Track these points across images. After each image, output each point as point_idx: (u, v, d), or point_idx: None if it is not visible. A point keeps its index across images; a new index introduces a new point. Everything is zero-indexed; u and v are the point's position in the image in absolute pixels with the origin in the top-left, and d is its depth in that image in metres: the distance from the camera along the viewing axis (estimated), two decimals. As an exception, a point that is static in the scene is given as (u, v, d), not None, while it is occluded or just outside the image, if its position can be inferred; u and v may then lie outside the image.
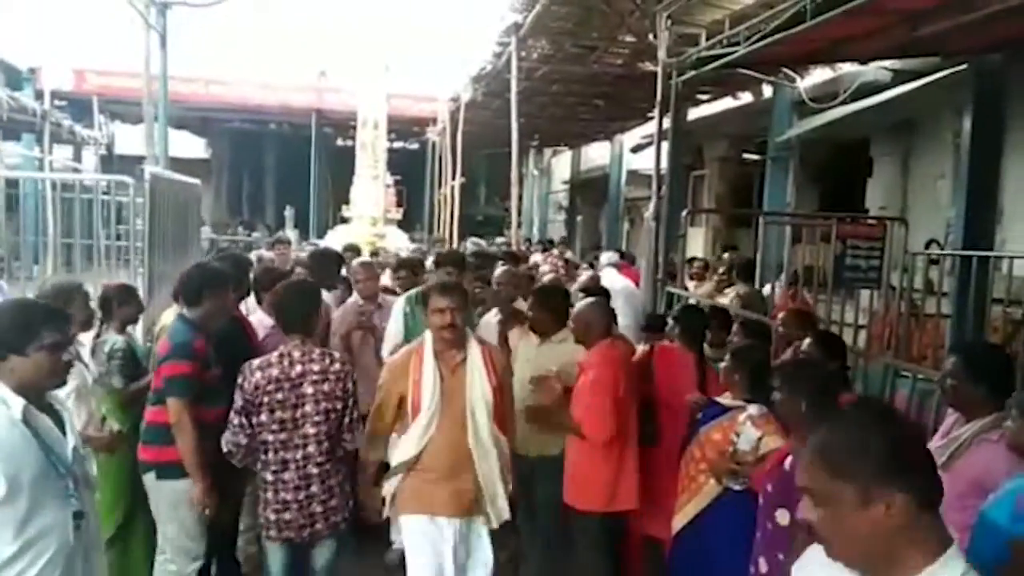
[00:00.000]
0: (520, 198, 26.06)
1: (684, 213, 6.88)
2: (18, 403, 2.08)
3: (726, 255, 8.09)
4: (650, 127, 15.63)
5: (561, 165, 23.81)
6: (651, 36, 6.42)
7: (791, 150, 10.24)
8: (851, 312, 6.85)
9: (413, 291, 4.56)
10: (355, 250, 8.03)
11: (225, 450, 3.18)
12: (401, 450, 3.20)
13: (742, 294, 6.35)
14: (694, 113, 13.53)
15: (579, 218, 22.51)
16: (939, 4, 4.66)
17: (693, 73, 6.25)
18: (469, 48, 13.45)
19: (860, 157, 9.66)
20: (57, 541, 2.11)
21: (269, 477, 3.15)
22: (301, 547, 3.27)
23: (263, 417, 3.10)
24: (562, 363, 3.81)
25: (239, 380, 3.15)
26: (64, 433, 2.21)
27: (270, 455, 3.14)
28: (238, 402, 3.13)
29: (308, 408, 3.12)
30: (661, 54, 6.31)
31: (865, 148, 9.58)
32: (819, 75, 9.44)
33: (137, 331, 4.32)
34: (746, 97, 11.64)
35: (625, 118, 15.07)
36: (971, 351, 2.82)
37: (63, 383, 2.26)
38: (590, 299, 4.06)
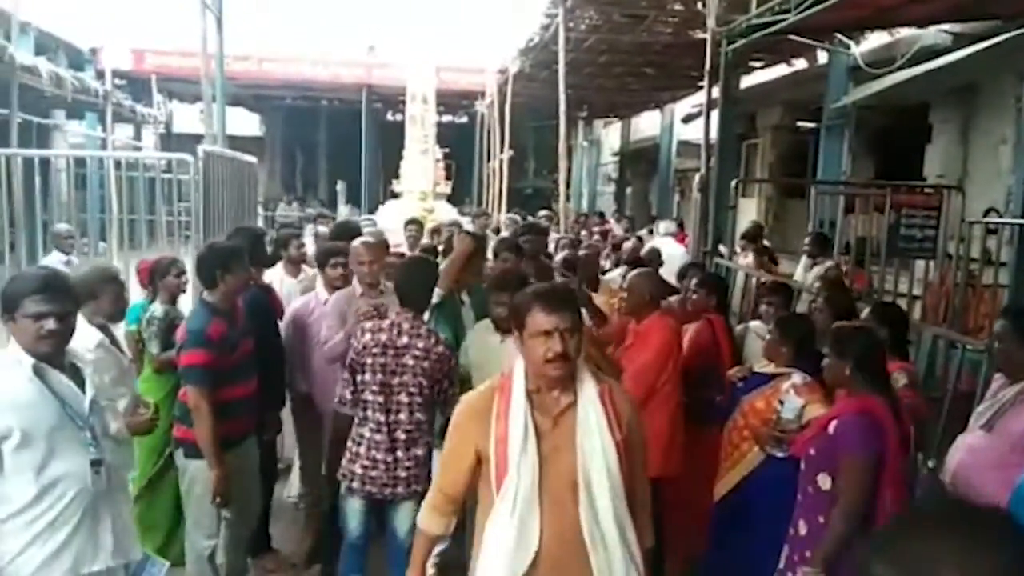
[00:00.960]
0: (569, 170, 26.00)
1: (733, 183, 6.80)
2: (28, 361, 2.29)
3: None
4: (701, 96, 15.35)
5: (611, 136, 23.59)
6: (700, 4, 6.33)
7: (846, 117, 9.99)
8: (907, 283, 6.74)
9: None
10: (417, 223, 7.80)
11: (336, 399, 3.38)
12: (490, 548, 2.16)
13: (828, 271, 6.11)
14: (747, 81, 13.30)
15: (628, 190, 22.33)
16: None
17: (743, 41, 6.15)
18: (517, 20, 13.40)
19: (918, 124, 9.39)
20: (76, 486, 2.32)
21: (366, 433, 3.28)
22: (380, 505, 3.37)
23: (367, 376, 3.25)
24: None
25: (351, 340, 3.37)
26: (84, 389, 2.40)
27: (368, 413, 3.27)
28: (348, 358, 3.33)
29: (407, 378, 3.24)
30: (710, 22, 6.24)
31: (924, 115, 9.31)
32: (876, 40, 9.18)
33: (187, 302, 4.51)
34: (800, 64, 11.39)
35: (675, 87, 14.88)
36: (1021, 315, 2.80)
37: (53, 350, 2.36)
38: (641, 269, 3.96)
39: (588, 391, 2.17)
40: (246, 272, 3.60)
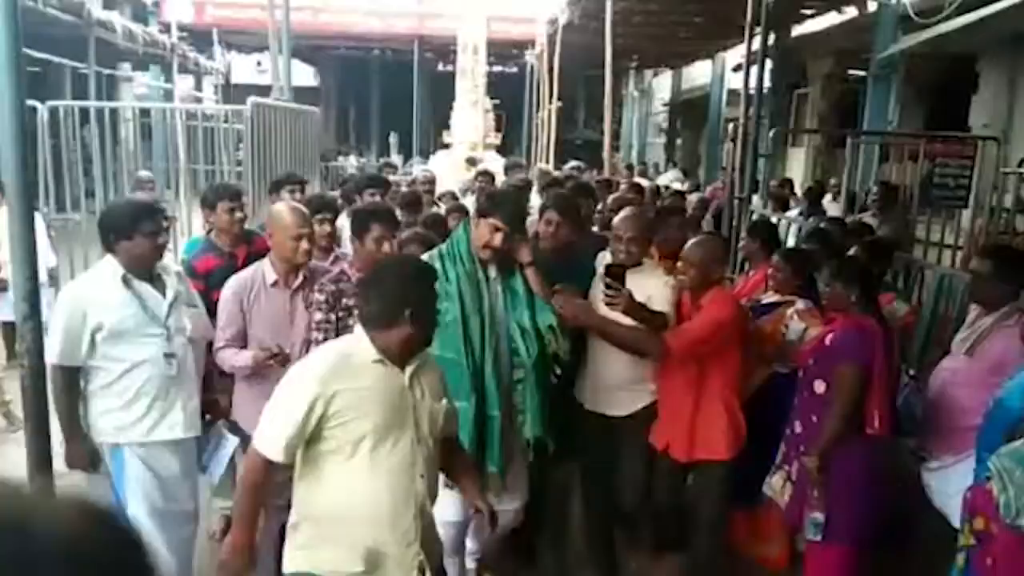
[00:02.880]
0: (619, 121, 25.90)
1: (771, 133, 7.01)
2: (119, 271, 2.86)
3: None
4: (753, 45, 15.34)
5: (662, 86, 23.45)
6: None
7: (894, 67, 10.00)
8: (947, 233, 6.91)
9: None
10: (489, 175, 7.29)
11: None
12: None
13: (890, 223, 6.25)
14: (799, 30, 13.23)
15: (678, 140, 22.30)
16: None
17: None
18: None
19: (967, 74, 9.38)
20: (151, 371, 2.89)
21: None
22: None
23: None
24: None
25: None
26: (164, 295, 2.95)
27: None
28: None
29: None
30: (751, -25, 6.39)
31: (972, 65, 9.29)
32: (924, -12, 9.14)
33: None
34: (851, 12, 11.32)
35: (726, 36, 14.79)
36: (1003, 253, 3.12)
37: (159, 259, 2.99)
38: (703, 236, 3.44)
39: None
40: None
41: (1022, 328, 2.79)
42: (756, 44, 6.88)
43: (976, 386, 2.84)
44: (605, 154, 11.03)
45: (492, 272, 2.97)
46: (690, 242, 3.25)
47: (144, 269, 2.92)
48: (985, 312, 3.03)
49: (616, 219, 3.34)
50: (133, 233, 2.84)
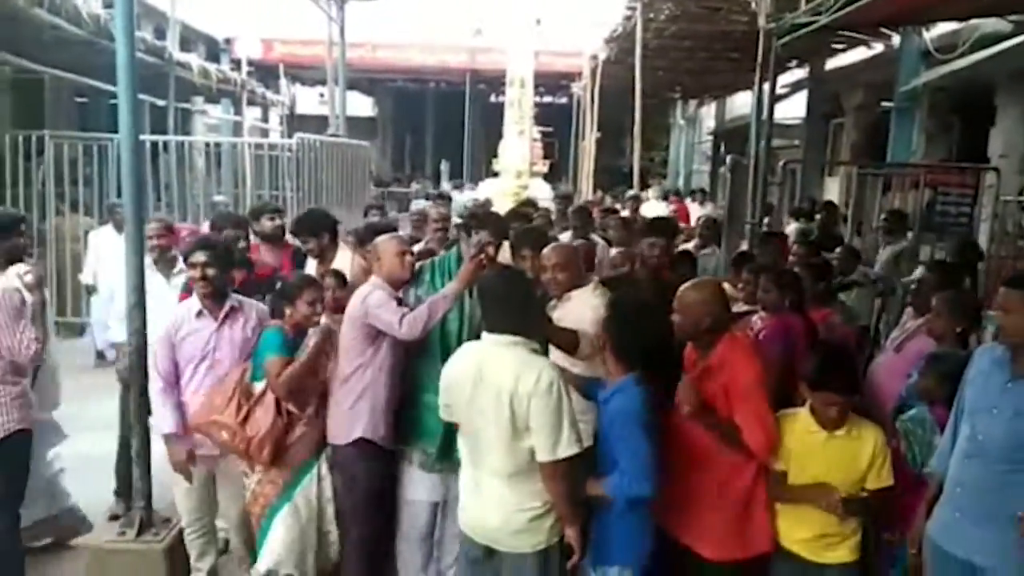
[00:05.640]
0: (667, 148, 26.43)
1: (781, 163, 7.55)
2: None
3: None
4: (791, 76, 15.83)
5: (708, 115, 23.99)
6: (752, 4, 7.10)
7: (917, 100, 10.42)
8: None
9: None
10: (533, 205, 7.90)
11: None
12: None
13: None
14: (832, 63, 13.72)
15: (722, 168, 22.73)
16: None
17: (788, 37, 6.92)
18: (604, 10, 14.21)
19: (986, 106, 9.75)
20: None
21: None
22: None
23: None
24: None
25: None
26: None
27: None
28: None
29: None
30: (761, 20, 7.01)
31: (991, 97, 9.67)
32: (944, 25, 9.59)
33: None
34: (879, 46, 11.78)
35: (765, 69, 15.32)
36: (944, 267, 3.72)
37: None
38: (699, 281, 3.10)
39: None
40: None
41: (928, 328, 3.34)
42: (761, 88, 7.44)
43: (898, 377, 3.39)
44: (635, 180, 11.62)
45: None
46: (684, 286, 2.95)
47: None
48: (915, 316, 3.59)
49: (545, 249, 3.51)
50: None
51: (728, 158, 7.41)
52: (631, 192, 12.02)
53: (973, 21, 8.85)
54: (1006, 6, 6.47)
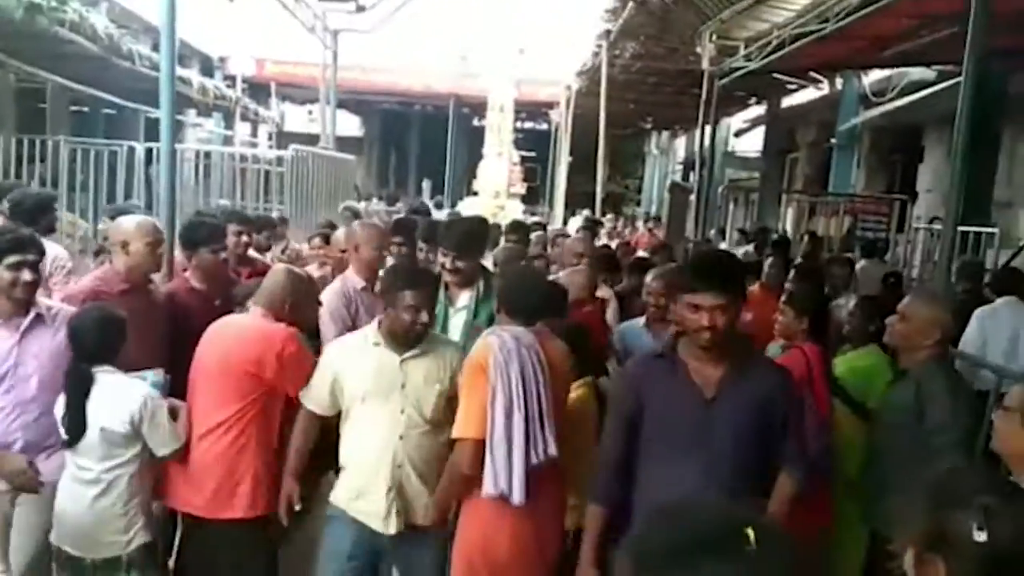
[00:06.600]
0: (641, 177, 27.49)
1: (720, 188, 8.48)
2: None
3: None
4: (752, 112, 16.94)
5: (680, 145, 25.11)
6: (697, 48, 8.07)
7: (856, 138, 11.47)
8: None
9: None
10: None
11: None
12: None
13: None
14: (788, 101, 14.82)
15: (691, 197, 23.80)
16: (894, 32, 6.15)
17: (728, 79, 7.89)
18: (577, 44, 15.17)
19: (915, 145, 10.81)
20: None
21: None
22: None
23: None
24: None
25: None
26: None
27: None
28: None
29: None
30: (704, 63, 7.97)
31: (920, 137, 10.73)
32: (878, 72, 10.67)
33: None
34: (826, 88, 12.85)
35: (728, 104, 16.39)
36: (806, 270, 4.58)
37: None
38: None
39: None
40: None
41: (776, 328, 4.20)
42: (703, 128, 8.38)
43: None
44: (597, 206, 12.48)
45: (462, 297, 3.50)
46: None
47: None
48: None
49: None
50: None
51: (668, 182, 8.33)
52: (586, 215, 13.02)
53: (902, 69, 9.93)
54: (913, 58, 7.46)
